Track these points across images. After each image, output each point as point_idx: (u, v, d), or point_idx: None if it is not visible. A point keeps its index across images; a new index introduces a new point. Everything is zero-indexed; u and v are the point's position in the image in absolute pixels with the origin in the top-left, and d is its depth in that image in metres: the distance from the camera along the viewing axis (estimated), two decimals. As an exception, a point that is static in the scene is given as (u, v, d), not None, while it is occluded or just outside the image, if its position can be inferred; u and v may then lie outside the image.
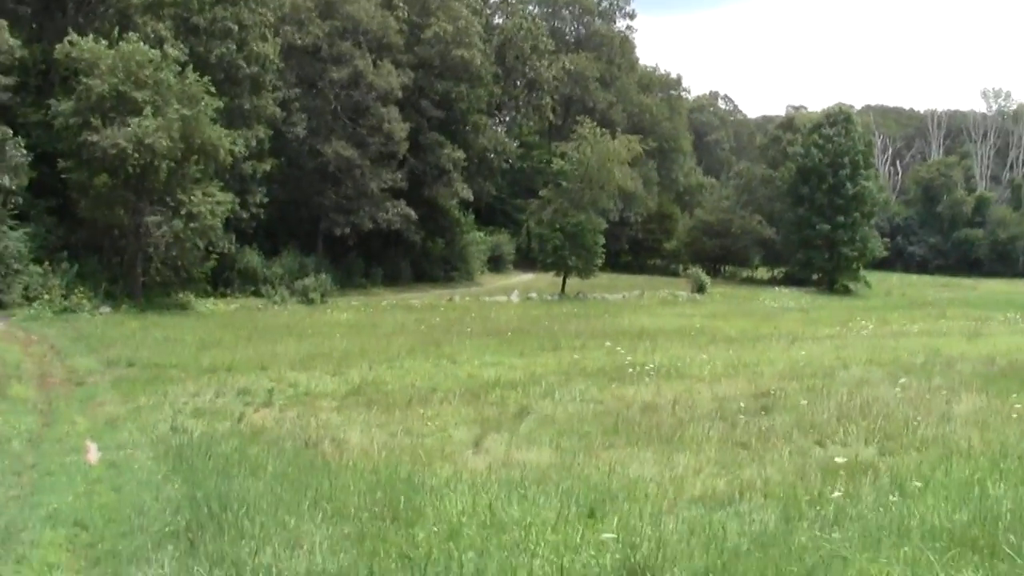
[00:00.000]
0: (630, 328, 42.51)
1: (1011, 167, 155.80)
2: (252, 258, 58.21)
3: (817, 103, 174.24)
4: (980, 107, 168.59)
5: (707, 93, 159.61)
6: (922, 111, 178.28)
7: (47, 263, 46.11)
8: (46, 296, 44.13)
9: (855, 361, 27.43)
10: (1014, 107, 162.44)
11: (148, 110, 45.60)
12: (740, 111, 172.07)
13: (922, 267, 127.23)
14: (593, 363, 27.50)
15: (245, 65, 56.21)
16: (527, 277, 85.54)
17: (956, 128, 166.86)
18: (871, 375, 24.25)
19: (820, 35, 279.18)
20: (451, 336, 36.71)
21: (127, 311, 44.94)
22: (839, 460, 13.50)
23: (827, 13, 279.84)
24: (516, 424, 17.67)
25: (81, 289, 45.37)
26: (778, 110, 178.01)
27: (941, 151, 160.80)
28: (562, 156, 71.31)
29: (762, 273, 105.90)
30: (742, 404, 19.11)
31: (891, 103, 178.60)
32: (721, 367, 26.30)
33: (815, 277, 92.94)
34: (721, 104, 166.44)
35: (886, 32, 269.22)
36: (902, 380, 22.18)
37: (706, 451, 15.10)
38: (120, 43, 47.18)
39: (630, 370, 25.05)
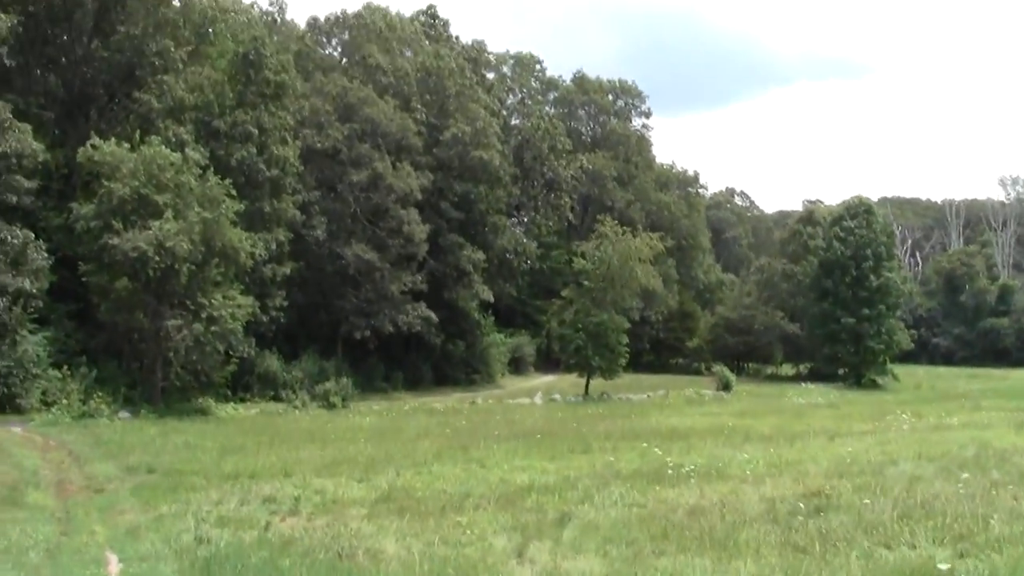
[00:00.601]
0: (660, 428, 41.65)
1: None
2: (272, 362, 57.50)
3: (833, 197, 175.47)
4: (999, 195, 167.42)
5: (723, 190, 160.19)
6: (940, 201, 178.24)
7: (66, 368, 45.58)
8: (64, 401, 43.67)
9: (903, 456, 26.53)
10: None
11: (169, 213, 45.44)
12: (757, 207, 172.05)
13: (948, 359, 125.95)
14: (628, 465, 26.64)
15: (265, 168, 56.05)
16: (549, 378, 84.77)
17: (975, 217, 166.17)
18: (923, 471, 23.38)
19: (833, 129, 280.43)
20: (478, 440, 35.79)
21: (146, 416, 44.35)
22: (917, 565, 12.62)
23: (840, 108, 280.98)
24: (558, 531, 16.85)
25: (100, 394, 44.76)
26: (794, 205, 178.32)
27: (961, 241, 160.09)
28: (583, 255, 70.55)
29: (786, 369, 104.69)
30: (793, 505, 18.25)
31: (908, 194, 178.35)
32: (763, 466, 25.45)
33: (841, 372, 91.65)
34: (738, 200, 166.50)
35: (900, 124, 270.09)
36: (964, 475, 21.30)
37: (766, 557, 14.26)
38: (142, 147, 47.02)
39: (669, 471, 24.22)
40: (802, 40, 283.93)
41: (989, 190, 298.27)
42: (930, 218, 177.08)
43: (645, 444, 31.77)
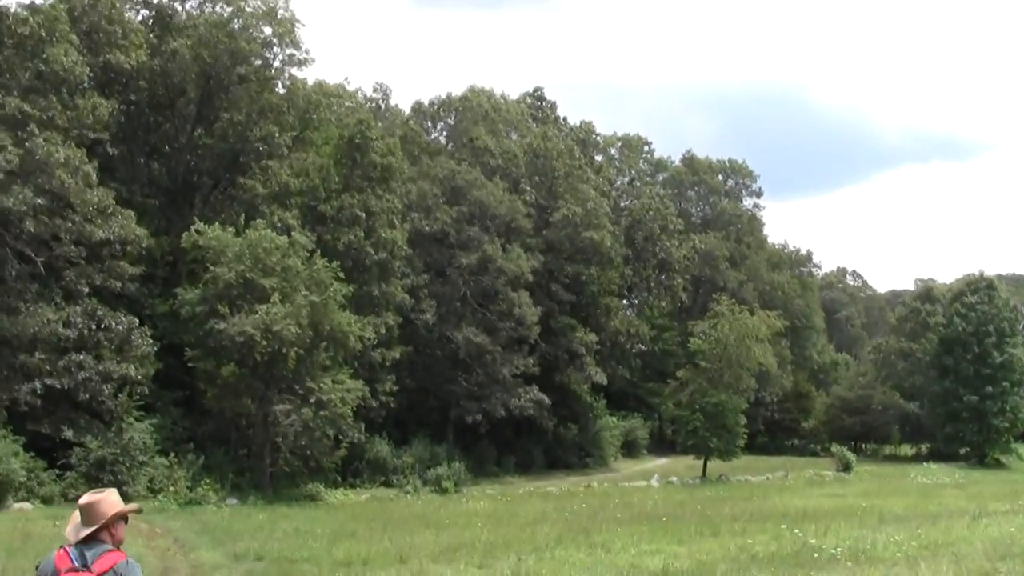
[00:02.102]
0: (785, 509, 40.26)
1: None
2: (382, 448, 56.30)
3: (946, 276, 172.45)
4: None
5: (835, 269, 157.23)
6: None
7: (173, 455, 44.95)
8: (171, 488, 43.09)
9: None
10: None
11: (276, 297, 44.87)
12: (869, 286, 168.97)
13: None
14: (764, 548, 25.10)
15: (373, 252, 55.18)
16: (662, 461, 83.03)
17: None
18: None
19: (943, 209, 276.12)
20: (598, 523, 34.51)
21: (254, 503, 43.52)
22: None
23: (948, 187, 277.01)
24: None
25: (207, 481, 44.12)
26: (906, 284, 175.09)
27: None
28: (699, 335, 69.01)
29: (905, 450, 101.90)
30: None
31: (1022, 271, 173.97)
32: (913, 548, 23.71)
33: (963, 451, 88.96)
34: (849, 280, 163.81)
35: (1012, 201, 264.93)
36: None
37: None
38: (247, 231, 46.52)
39: (815, 555, 22.56)
40: (906, 121, 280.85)
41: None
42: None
43: (782, 526, 30.10)
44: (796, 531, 27.97)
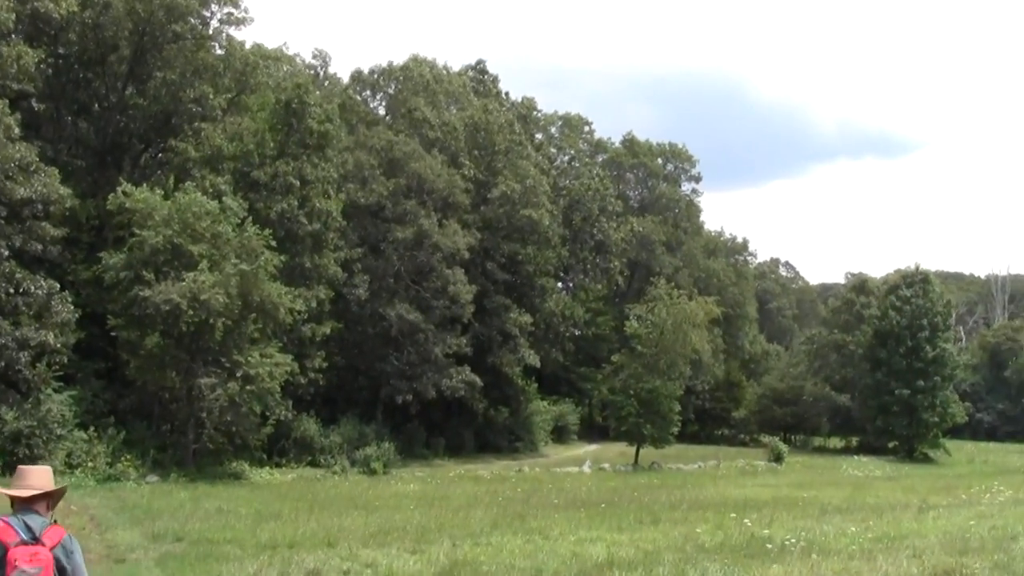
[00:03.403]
0: (723, 498, 39.92)
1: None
2: (310, 426, 54.74)
3: (876, 270, 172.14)
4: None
5: (768, 260, 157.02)
6: (983, 276, 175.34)
7: (92, 429, 43.29)
8: (90, 463, 41.56)
9: (1021, 533, 23.82)
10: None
11: (204, 264, 43.45)
12: (802, 278, 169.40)
13: (990, 434, 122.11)
14: (710, 537, 24.08)
15: (307, 222, 53.69)
16: (593, 447, 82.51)
17: (1020, 292, 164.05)
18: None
19: (875, 204, 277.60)
20: (534, 509, 33.54)
21: (176, 480, 42.15)
22: None
23: (881, 183, 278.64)
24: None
25: (128, 456, 42.65)
26: (836, 277, 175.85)
27: (1006, 315, 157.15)
28: (636, 319, 68.07)
29: (834, 442, 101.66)
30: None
31: (951, 268, 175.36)
32: (866, 541, 22.74)
33: (891, 445, 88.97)
34: (782, 271, 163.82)
35: (942, 198, 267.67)
36: None
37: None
38: (176, 194, 44.88)
39: (767, 545, 21.50)
40: (841, 117, 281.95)
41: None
42: (973, 292, 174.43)
43: (731, 515, 29.11)
44: (745, 521, 26.98)
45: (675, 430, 68.16)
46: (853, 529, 24.86)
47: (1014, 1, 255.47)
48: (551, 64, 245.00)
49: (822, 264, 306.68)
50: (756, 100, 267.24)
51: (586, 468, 62.73)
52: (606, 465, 65.34)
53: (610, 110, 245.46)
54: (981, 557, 19.45)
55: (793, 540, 22.46)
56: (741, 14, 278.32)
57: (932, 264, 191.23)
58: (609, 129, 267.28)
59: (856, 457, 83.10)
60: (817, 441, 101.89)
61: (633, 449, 68.87)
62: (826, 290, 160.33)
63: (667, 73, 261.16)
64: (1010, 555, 19.59)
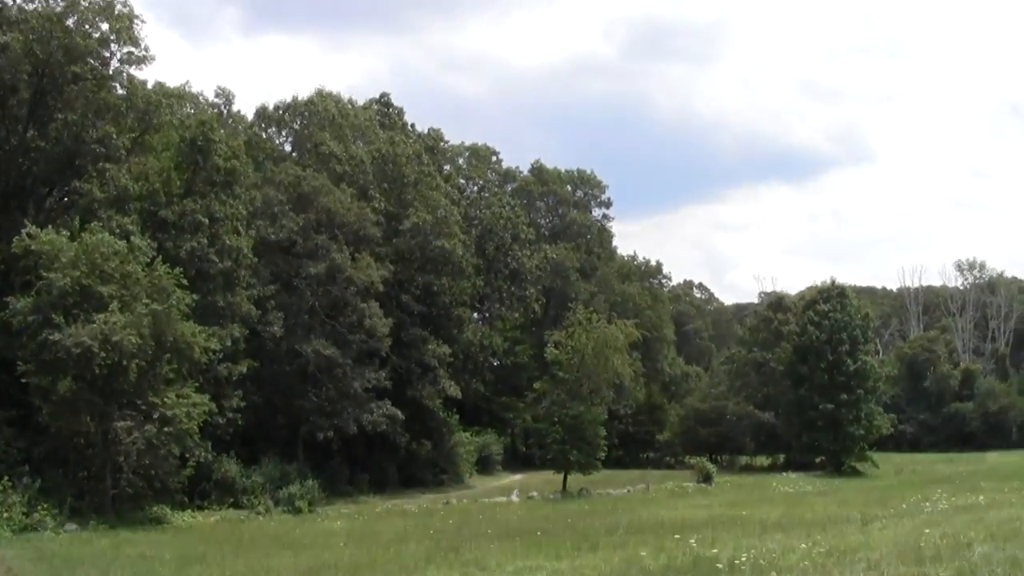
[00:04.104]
0: (658, 521, 39.12)
1: (992, 338, 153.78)
2: (231, 467, 53.67)
3: (790, 288, 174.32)
4: (954, 281, 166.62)
5: (682, 282, 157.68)
6: (896, 289, 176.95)
7: (6, 478, 41.79)
8: (5, 514, 40.08)
9: (973, 539, 23.25)
10: (989, 278, 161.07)
11: (115, 305, 42.45)
12: (716, 299, 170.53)
13: (914, 444, 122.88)
14: (654, 561, 23.28)
15: (217, 260, 52.80)
16: (518, 477, 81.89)
17: (933, 303, 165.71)
18: (1013, 552, 20.10)
19: (784, 223, 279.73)
20: (467, 540, 32.73)
21: (96, 527, 41.06)
22: None
23: (789, 202, 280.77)
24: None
25: (44, 505, 41.38)
26: (750, 297, 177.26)
27: (921, 327, 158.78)
28: (555, 345, 67.62)
29: (761, 460, 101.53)
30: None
31: (863, 283, 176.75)
32: (817, 556, 22.10)
33: (818, 460, 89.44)
34: (696, 293, 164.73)
35: (849, 215, 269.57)
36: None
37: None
38: (83, 235, 43.69)
39: (717, 565, 20.81)
40: (744, 139, 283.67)
41: (945, 276, 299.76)
42: (887, 306, 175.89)
43: (675, 536, 28.42)
44: (690, 541, 26.28)
45: (602, 455, 67.75)
46: (803, 545, 24.20)
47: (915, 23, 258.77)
48: (453, 94, 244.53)
49: (735, 287, 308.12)
50: (660, 125, 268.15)
51: (515, 497, 62.35)
52: (535, 493, 64.84)
53: (514, 141, 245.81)
54: (940, 566, 18.89)
55: (743, 559, 21.81)
56: (638, 37, 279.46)
57: (844, 280, 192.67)
58: (515, 159, 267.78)
59: (785, 474, 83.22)
60: (743, 460, 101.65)
61: (560, 476, 68.36)
62: (741, 310, 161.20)
63: (570, 101, 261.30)
64: (970, 562, 19.05)
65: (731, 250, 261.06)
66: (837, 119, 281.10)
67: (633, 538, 30.62)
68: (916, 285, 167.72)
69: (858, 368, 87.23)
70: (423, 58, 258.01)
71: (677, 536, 28.09)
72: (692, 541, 26.20)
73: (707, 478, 73.69)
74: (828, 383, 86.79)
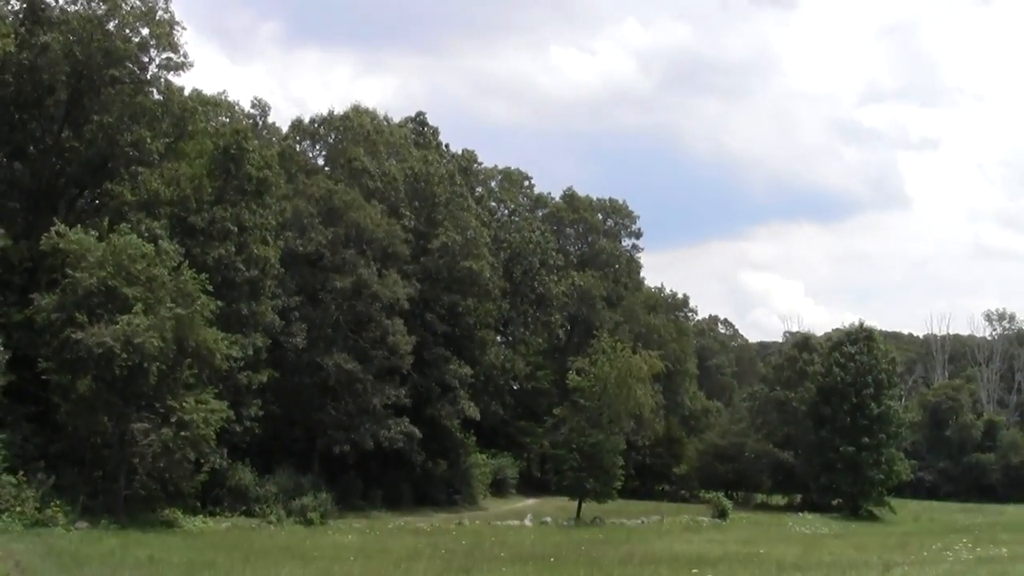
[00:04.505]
0: (673, 554, 39.15)
1: (1018, 390, 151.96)
2: (245, 475, 53.75)
3: (814, 328, 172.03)
4: (983, 331, 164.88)
5: (707, 317, 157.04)
6: (922, 336, 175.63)
7: (21, 473, 41.84)
8: (18, 508, 40.21)
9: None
10: (1018, 330, 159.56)
11: (139, 307, 42.53)
12: (741, 335, 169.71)
13: (932, 493, 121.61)
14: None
15: (244, 268, 52.77)
16: (532, 502, 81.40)
17: (959, 352, 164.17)
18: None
19: (811, 264, 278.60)
20: (479, 562, 32.70)
21: (107, 527, 41.01)
22: None
23: (818, 244, 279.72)
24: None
25: (57, 502, 41.34)
26: (772, 335, 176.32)
27: (945, 375, 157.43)
28: (578, 372, 67.28)
29: (777, 499, 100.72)
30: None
31: (888, 328, 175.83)
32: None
33: (835, 503, 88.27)
34: (721, 329, 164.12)
35: (879, 259, 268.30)
36: None
37: None
38: (111, 235, 43.78)
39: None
40: (773, 178, 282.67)
41: (973, 326, 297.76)
42: (912, 352, 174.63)
43: (695, 571, 28.15)
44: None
45: (618, 485, 67.51)
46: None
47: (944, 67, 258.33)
48: (485, 121, 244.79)
49: (758, 323, 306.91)
50: (692, 159, 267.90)
51: (528, 522, 62.16)
52: (548, 519, 64.67)
53: (545, 168, 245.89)
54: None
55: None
56: (674, 70, 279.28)
57: (869, 324, 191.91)
58: (546, 185, 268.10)
59: (800, 514, 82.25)
60: (759, 498, 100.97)
61: (574, 504, 68.01)
62: (764, 348, 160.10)
63: (603, 132, 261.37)
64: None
65: (756, 287, 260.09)
66: (870, 162, 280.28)
67: (647, 569, 30.56)
68: (943, 332, 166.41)
69: (881, 412, 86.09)
70: (458, 81, 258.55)
71: (695, 571, 27.87)
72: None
73: (722, 514, 73.22)
74: (850, 425, 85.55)
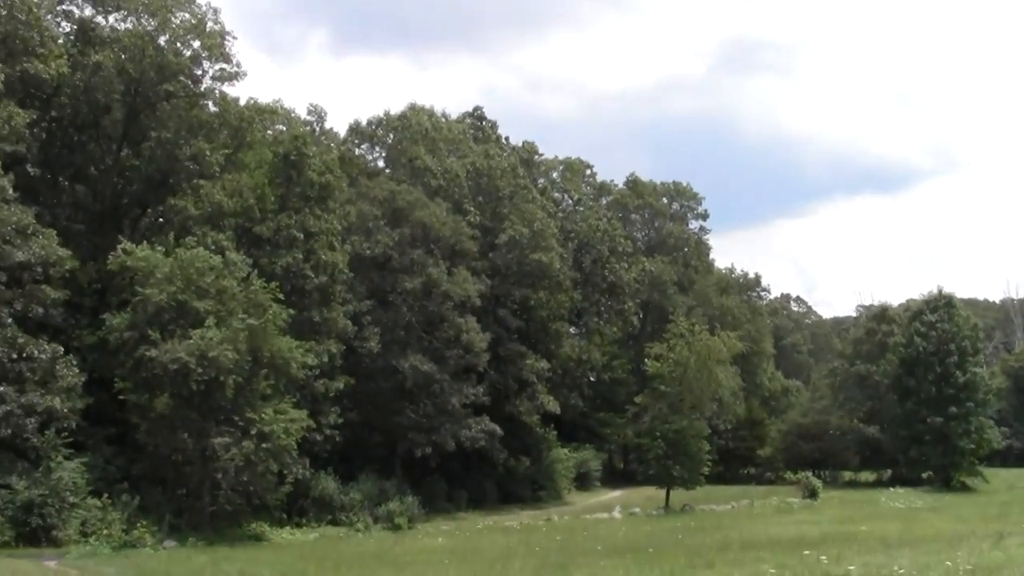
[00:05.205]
0: (771, 538, 38.15)
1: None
2: (328, 484, 53.26)
3: (890, 300, 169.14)
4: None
5: (779, 296, 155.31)
6: (998, 300, 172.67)
7: (106, 496, 41.84)
8: (104, 531, 40.18)
9: None
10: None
11: (211, 320, 42.11)
12: (815, 312, 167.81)
13: (1021, 459, 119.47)
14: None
15: (313, 275, 52.41)
16: (617, 493, 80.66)
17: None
18: None
19: (878, 236, 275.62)
20: (574, 557, 31.85)
21: (194, 544, 40.81)
22: None
23: (883, 216, 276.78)
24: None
25: (144, 523, 41.24)
26: (844, 310, 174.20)
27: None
28: (656, 358, 66.19)
29: (865, 476, 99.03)
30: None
31: (963, 295, 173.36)
32: (967, 572, 20.72)
33: (925, 476, 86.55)
34: (794, 307, 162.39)
35: (948, 227, 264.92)
36: None
37: None
38: (178, 250, 43.34)
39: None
40: (836, 153, 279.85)
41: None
42: (990, 318, 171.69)
43: (804, 552, 27.02)
44: (821, 557, 24.89)
45: (705, 470, 66.55)
46: (948, 563, 22.66)
47: (1005, 29, 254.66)
48: (540, 115, 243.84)
49: (831, 298, 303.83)
50: (749, 139, 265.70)
51: (616, 514, 61.27)
52: (637, 510, 63.72)
53: (602, 158, 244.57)
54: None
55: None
56: (725, 52, 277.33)
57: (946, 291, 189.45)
58: (606, 174, 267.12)
59: (891, 489, 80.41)
60: (846, 475, 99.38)
61: (660, 492, 67.20)
62: (838, 324, 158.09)
63: (660, 116, 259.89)
64: None
65: (824, 263, 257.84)
66: (930, 129, 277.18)
67: (748, 555, 29.55)
68: (1020, 296, 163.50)
69: (968, 380, 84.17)
70: (509, 77, 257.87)
71: (806, 552, 26.76)
72: (823, 558, 24.87)
73: (812, 494, 71.94)
74: (936, 396, 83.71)
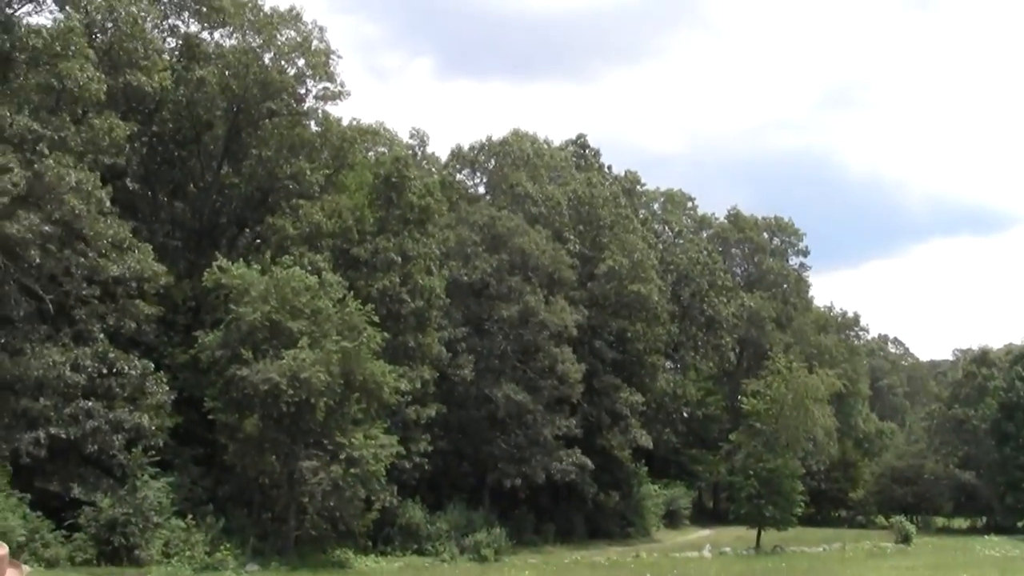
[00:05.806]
0: None
1: None
2: (415, 512, 52.57)
3: (989, 344, 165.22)
4: None
5: (877, 336, 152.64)
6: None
7: (191, 516, 41.34)
8: (187, 552, 39.73)
9: None
10: None
11: (304, 341, 41.55)
12: (911, 354, 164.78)
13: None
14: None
15: (409, 299, 51.86)
16: (707, 532, 79.36)
17: None
18: None
19: (977, 279, 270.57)
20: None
21: (277, 569, 40.61)
22: None
23: (977, 260, 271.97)
24: None
25: (227, 545, 40.80)
26: (943, 354, 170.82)
27: None
28: (753, 395, 65.03)
29: (959, 522, 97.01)
30: None
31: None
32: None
33: (1021, 524, 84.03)
34: (891, 348, 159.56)
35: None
36: None
37: None
38: (273, 268, 42.92)
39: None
40: (933, 194, 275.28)
41: None
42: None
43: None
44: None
45: (798, 511, 65.21)
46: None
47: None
48: (644, 144, 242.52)
49: (927, 341, 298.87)
50: (850, 179, 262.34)
51: (707, 553, 60.09)
52: (727, 549, 62.51)
53: (702, 193, 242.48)
54: None
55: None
56: (827, 90, 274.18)
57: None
58: (708, 207, 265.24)
59: (986, 536, 78.27)
60: (940, 521, 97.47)
61: (751, 533, 66.11)
62: (935, 367, 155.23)
63: (760, 152, 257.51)
64: None
65: (921, 304, 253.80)
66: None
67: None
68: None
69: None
70: (609, 108, 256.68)
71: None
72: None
73: (906, 538, 70.08)
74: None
